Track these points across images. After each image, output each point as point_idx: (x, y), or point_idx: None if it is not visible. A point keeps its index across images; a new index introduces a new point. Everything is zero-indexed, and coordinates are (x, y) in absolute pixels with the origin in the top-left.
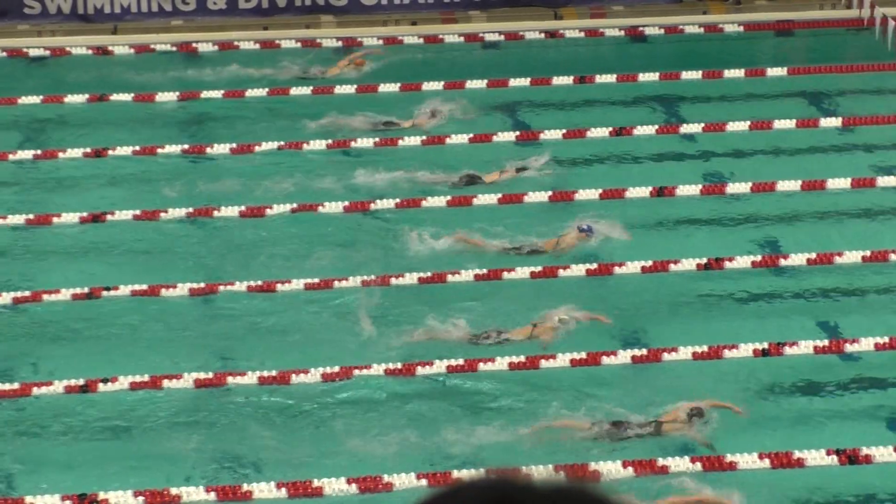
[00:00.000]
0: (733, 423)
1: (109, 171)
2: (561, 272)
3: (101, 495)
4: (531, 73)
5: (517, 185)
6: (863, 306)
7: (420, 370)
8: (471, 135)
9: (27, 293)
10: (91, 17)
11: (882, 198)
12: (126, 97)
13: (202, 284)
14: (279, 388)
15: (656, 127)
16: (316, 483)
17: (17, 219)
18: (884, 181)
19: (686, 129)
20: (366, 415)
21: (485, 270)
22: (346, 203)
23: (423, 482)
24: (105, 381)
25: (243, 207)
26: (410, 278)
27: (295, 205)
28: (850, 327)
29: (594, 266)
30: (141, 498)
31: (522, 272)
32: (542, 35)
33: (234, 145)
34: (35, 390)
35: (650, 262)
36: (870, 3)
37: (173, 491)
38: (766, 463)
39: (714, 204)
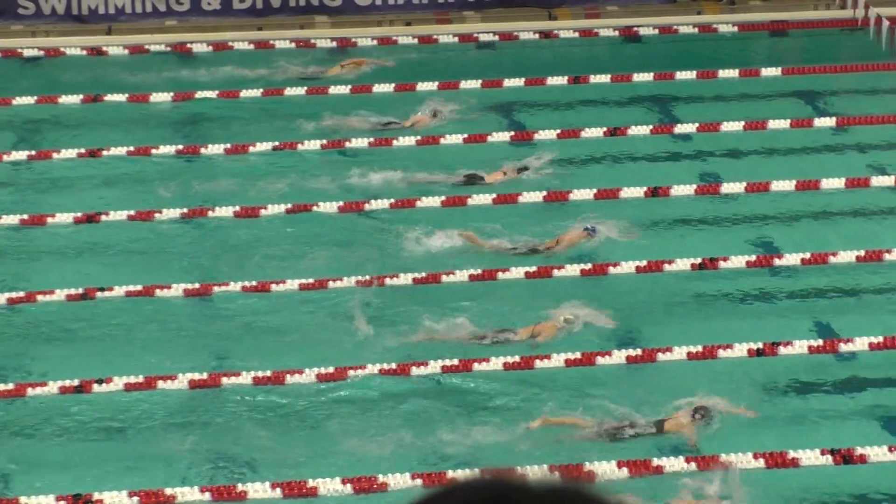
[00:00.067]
0: (729, 423)
1: (104, 171)
2: (556, 272)
3: (96, 496)
4: (526, 73)
5: (512, 185)
6: (857, 306)
7: (415, 370)
8: (465, 135)
9: (21, 294)
10: (85, 17)
11: (876, 197)
12: (120, 97)
13: (197, 285)
14: (274, 389)
15: (651, 127)
16: (311, 483)
17: (12, 219)
18: (878, 181)
19: (680, 129)
20: (361, 415)
21: (479, 270)
22: (341, 203)
23: (419, 482)
24: (100, 381)
25: (238, 208)
26: (405, 278)
27: (290, 205)
28: (845, 327)
29: (589, 266)
30: (136, 498)
31: (517, 272)
32: (537, 35)
33: (229, 145)
34: (29, 391)
35: (645, 262)
36: (864, 4)
37: (168, 491)
38: (762, 463)
39: (708, 204)
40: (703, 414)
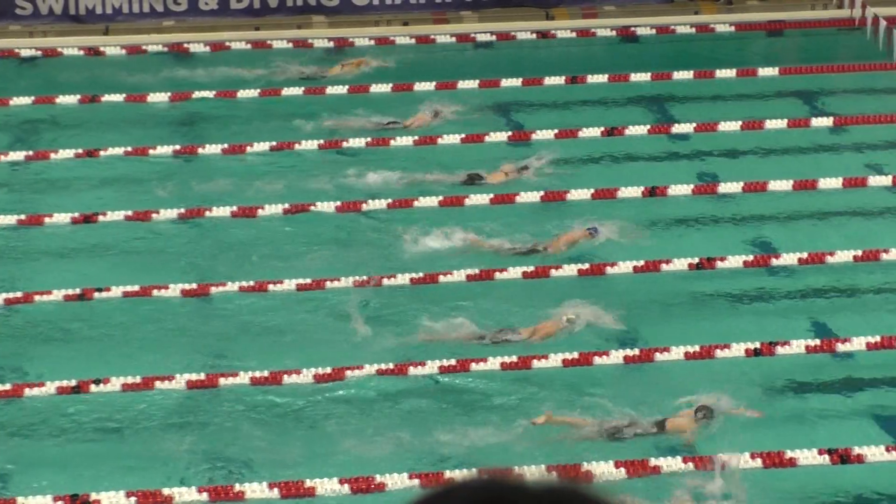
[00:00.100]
0: (726, 423)
1: (101, 171)
2: (554, 272)
3: (94, 496)
4: (523, 73)
5: (510, 185)
6: (855, 306)
7: (413, 370)
8: (463, 135)
9: (19, 294)
10: (82, 17)
11: (874, 197)
12: (118, 98)
13: (194, 285)
14: (272, 389)
15: (648, 127)
16: (308, 483)
17: (9, 219)
18: (875, 181)
19: (678, 129)
20: (359, 415)
21: (477, 270)
22: (339, 203)
23: (416, 482)
24: (97, 381)
25: (235, 208)
26: (404, 278)
27: (288, 205)
28: (843, 327)
29: (586, 266)
30: (133, 498)
31: (515, 272)
32: (534, 35)
33: (227, 145)
34: (27, 391)
35: (642, 262)
36: (861, 3)
37: (165, 491)
38: (759, 462)
39: (706, 204)
40: (706, 413)
